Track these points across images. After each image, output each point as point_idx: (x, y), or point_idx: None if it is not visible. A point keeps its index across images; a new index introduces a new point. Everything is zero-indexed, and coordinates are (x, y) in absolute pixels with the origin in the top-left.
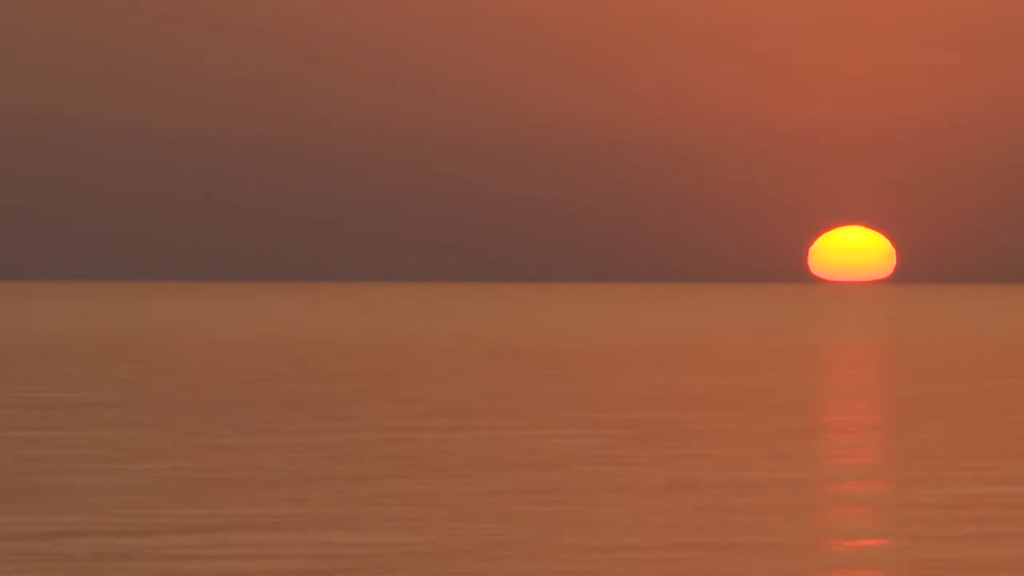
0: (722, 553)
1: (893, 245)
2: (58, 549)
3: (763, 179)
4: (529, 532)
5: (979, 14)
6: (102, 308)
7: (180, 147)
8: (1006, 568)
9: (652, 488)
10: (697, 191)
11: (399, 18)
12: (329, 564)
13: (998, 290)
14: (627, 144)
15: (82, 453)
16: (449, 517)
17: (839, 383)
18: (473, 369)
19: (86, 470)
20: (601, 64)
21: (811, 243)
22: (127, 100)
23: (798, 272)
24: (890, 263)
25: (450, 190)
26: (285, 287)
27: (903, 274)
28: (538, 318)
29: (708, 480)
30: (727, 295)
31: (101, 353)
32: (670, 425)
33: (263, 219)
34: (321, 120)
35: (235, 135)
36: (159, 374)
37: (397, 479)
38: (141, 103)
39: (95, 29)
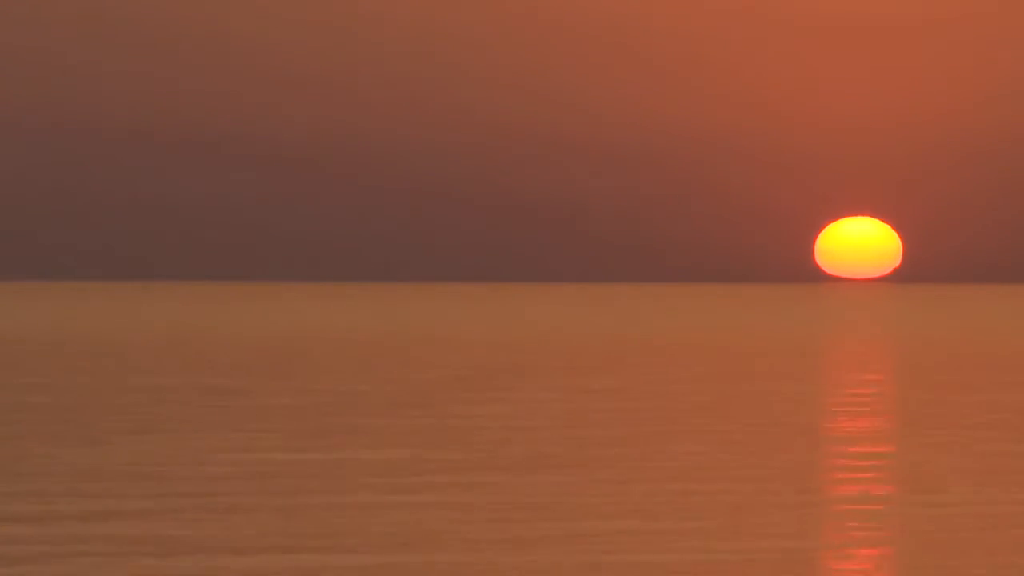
0: None
1: (900, 237)
2: None
3: (767, 172)
4: None
5: (997, 4)
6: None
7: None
8: None
9: None
10: (699, 185)
11: (394, 20)
12: None
13: (1010, 289)
14: (627, 141)
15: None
16: None
17: None
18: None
19: None
20: (599, 62)
21: (817, 234)
22: (129, 99)
23: (804, 264)
24: (897, 255)
25: (449, 189)
26: (285, 288)
27: (910, 267)
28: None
29: None
30: (751, 295)
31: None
32: None
33: (267, 219)
34: (326, 120)
35: (245, 136)
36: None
37: None
38: (147, 102)
39: (93, 27)
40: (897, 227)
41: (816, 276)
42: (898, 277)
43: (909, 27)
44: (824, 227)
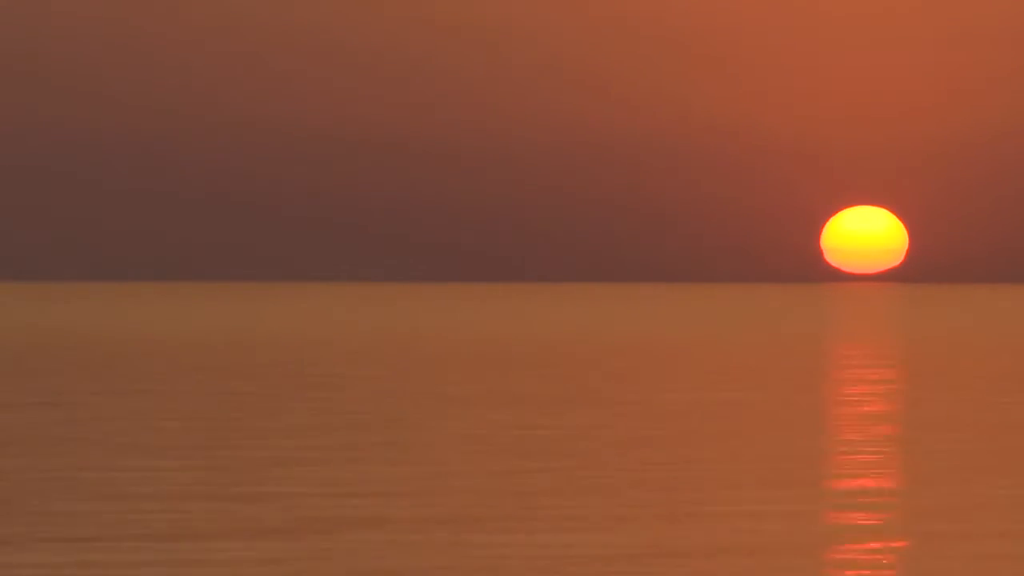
0: None
1: (905, 225)
2: None
3: (766, 166)
4: None
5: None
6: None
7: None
8: None
9: None
10: (705, 182)
11: (387, 23)
12: None
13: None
14: (628, 139)
15: None
16: None
17: None
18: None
19: None
20: (601, 64)
21: (822, 226)
22: (130, 98)
23: (810, 259)
24: (903, 245)
25: (458, 190)
26: (287, 287)
27: (916, 257)
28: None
29: None
30: (767, 296)
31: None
32: None
33: (267, 218)
34: (323, 120)
35: (244, 133)
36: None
37: None
38: (147, 101)
39: (92, 28)
40: (902, 216)
41: (823, 271)
42: (906, 268)
43: (912, 17)
44: (828, 219)
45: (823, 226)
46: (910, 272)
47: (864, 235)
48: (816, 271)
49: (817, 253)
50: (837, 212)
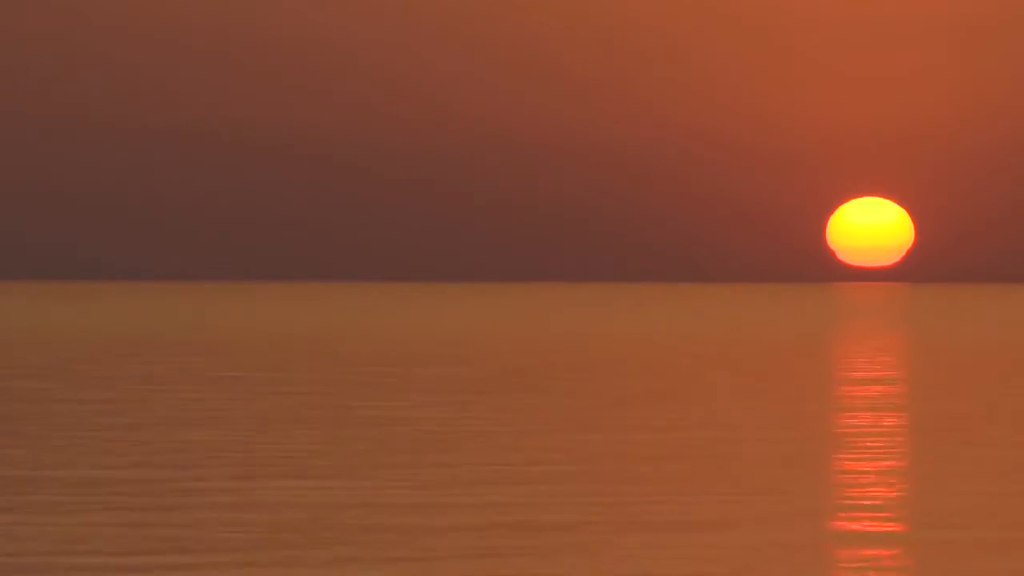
0: None
1: (910, 216)
2: None
3: (766, 163)
4: None
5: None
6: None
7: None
8: None
9: None
10: (708, 179)
11: (383, 24)
12: None
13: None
14: (629, 139)
15: None
16: None
17: None
18: None
19: None
20: (600, 62)
21: (827, 219)
22: (129, 98)
23: (815, 249)
24: (908, 237)
25: (459, 189)
26: (282, 287)
27: (921, 249)
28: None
29: None
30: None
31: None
32: None
33: (269, 217)
34: (319, 119)
35: (240, 133)
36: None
37: None
38: (145, 101)
39: (92, 27)
40: (906, 205)
41: (828, 266)
42: (908, 263)
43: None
44: (831, 212)
45: (827, 220)
46: (913, 268)
47: (870, 228)
48: (820, 266)
49: (822, 247)
50: (840, 205)
